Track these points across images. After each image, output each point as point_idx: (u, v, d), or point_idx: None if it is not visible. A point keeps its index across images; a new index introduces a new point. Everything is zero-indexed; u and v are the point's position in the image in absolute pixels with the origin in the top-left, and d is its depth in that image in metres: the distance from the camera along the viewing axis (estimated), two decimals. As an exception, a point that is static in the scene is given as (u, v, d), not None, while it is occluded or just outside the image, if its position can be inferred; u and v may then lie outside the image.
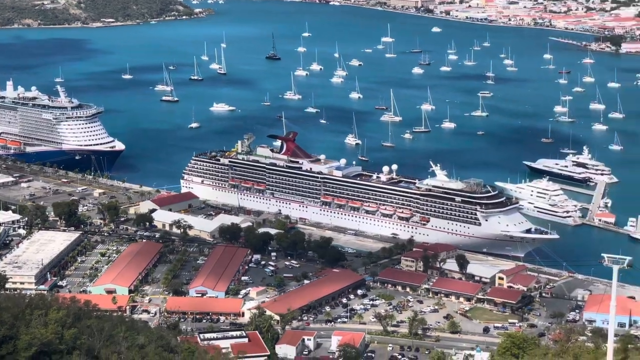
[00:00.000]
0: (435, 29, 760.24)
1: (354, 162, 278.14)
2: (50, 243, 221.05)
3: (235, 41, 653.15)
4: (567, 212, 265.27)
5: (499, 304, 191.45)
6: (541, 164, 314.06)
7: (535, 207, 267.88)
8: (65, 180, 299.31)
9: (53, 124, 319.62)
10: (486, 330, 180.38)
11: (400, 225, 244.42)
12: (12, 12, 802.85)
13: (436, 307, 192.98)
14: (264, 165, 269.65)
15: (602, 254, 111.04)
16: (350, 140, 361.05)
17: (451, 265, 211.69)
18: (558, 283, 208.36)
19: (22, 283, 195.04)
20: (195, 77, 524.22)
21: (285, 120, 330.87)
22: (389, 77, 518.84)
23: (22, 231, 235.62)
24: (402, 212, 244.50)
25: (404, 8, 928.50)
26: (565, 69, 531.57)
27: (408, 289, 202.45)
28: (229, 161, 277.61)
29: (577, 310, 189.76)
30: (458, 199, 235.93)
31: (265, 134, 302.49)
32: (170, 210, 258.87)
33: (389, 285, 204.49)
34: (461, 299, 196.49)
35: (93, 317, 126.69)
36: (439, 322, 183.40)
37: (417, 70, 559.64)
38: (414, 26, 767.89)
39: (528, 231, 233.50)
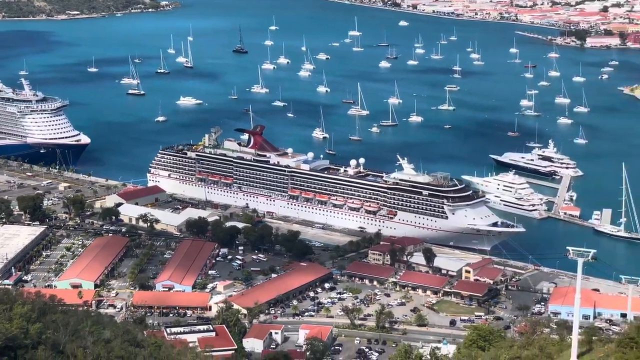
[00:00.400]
0: (403, 23, 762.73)
1: (321, 156, 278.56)
2: (15, 237, 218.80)
3: (202, 34, 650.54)
4: (533, 205, 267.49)
5: (466, 297, 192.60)
6: (507, 157, 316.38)
7: (501, 200, 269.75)
8: (30, 174, 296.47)
9: (17, 117, 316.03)
10: (453, 323, 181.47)
11: (368, 218, 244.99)
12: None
13: (403, 300, 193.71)
14: (231, 159, 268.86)
15: (567, 247, 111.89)
16: (318, 133, 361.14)
17: (418, 258, 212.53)
18: (524, 276, 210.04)
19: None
20: (162, 71, 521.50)
21: (253, 113, 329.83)
22: (356, 70, 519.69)
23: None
24: (370, 206, 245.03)
25: (371, 2, 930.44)
26: (531, 63, 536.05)
27: (375, 283, 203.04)
28: (196, 155, 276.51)
29: (542, 303, 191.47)
30: (425, 192, 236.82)
31: (232, 127, 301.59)
32: (136, 204, 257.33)
33: (357, 279, 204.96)
34: (428, 292, 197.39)
35: (58, 312, 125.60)
36: (406, 315, 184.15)
37: (384, 64, 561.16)
38: (381, 20, 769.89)
39: (494, 224, 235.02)
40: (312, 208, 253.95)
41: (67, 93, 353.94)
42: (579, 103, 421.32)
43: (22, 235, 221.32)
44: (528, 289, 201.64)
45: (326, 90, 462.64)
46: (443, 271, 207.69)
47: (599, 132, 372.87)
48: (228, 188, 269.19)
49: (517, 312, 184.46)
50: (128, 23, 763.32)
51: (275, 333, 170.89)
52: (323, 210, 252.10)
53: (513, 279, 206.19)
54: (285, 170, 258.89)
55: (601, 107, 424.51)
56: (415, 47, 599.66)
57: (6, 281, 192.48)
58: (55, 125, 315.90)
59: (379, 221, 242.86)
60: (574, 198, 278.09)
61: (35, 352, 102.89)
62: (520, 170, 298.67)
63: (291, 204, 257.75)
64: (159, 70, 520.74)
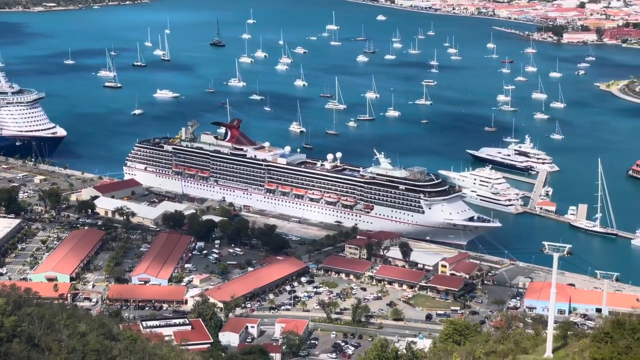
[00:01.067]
0: (380, 17, 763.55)
1: (298, 150, 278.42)
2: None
3: (179, 27, 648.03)
4: (509, 200, 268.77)
5: (442, 291, 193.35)
6: (484, 152, 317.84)
7: (477, 195, 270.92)
8: (6, 166, 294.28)
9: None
10: (429, 317, 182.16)
11: (344, 212, 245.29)
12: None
13: (379, 294, 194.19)
14: (208, 153, 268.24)
15: (543, 242, 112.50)
16: (295, 127, 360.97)
17: (395, 252, 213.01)
18: (500, 271, 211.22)
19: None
20: (139, 63, 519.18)
21: (230, 107, 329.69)
22: (333, 64, 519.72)
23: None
24: (346, 200, 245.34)
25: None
26: (508, 59, 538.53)
27: (352, 277, 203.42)
28: (173, 148, 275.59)
29: (518, 298, 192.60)
30: (402, 187, 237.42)
31: (209, 120, 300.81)
32: (112, 197, 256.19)
33: (333, 273, 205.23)
34: (404, 287, 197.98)
35: (33, 305, 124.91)
36: (382, 310, 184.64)
37: (361, 58, 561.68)
38: (359, 14, 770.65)
39: (471, 219, 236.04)
40: (289, 202, 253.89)
41: (43, 85, 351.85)
42: (555, 98, 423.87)
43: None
44: (504, 284, 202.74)
45: (303, 84, 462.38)
46: (419, 265, 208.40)
47: (575, 128, 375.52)
48: (205, 181, 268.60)
49: (493, 307, 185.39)
50: (105, 15, 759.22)
51: (252, 327, 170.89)
52: (300, 204, 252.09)
53: (489, 274, 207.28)
54: (262, 164, 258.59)
55: (577, 102, 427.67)
56: (392, 42, 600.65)
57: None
58: (31, 117, 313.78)
59: (356, 215, 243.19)
60: (550, 193, 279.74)
61: (10, 345, 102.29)
62: (497, 165, 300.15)
63: (268, 198, 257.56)
64: (135, 63, 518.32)
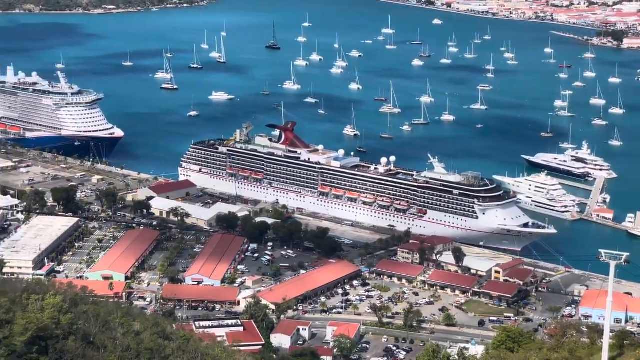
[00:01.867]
0: (436, 21, 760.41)
1: (352, 153, 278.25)
2: (49, 228, 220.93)
3: (235, 30, 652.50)
4: (565, 207, 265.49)
5: (495, 297, 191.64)
6: (540, 158, 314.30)
7: (533, 201, 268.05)
8: (64, 166, 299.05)
9: (53, 109, 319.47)
10: (481, 323, 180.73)
11: (398, 217, 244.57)
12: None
13: (432, 299, 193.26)
14: (262, 155, 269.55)
15: (600, 250, 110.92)
16: (349, 131, 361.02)
17: (447, 257, 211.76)
18: (555, 278, 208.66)
19: (19, 268, 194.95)
20: (195, 66, 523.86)
21: (284, 109, 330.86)
22: (388, 68, 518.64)
23: (20, 216, 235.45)
24: (400, 204, 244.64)
25: (405, 0, 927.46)
26: (566, 64, 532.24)
27: (404, 281, 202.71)
28: (227, 150, 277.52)
29: (573, 306, 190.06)
30: (456, 191, 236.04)
31: (263, 123, 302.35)
32: (167, 197, 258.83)
33: (385, 277, 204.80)
34: (457, 292, 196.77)
35: (89, 303, 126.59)
36: (434, 315, 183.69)
37: (417, 62, 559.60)
38: (415, 18, 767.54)
39: (525, 225, 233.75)
40: (342, 205, 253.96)
41: (102, 86, 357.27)
42: (614, 104, 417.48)
43: (55, 226, 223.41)
44: (559, 291, 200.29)
45: (358, 88, 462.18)
46: (472, 271, 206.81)
47: (634, 134, 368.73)
48: (258, 184, 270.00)
49: (547, 314, 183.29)
50: (163, 18, 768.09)
51: (303, 329, 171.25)
52: (353, 208, 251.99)
53: (543, 281, 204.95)
54: (315, 167, 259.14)
55: (637, 108, 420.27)
56: (448, 46, 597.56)
57: (39, 272, 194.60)
58: (90, 118, 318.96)
59: (409, 220, 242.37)
60: (608, 200, 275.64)
61: (66, 343, 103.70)
62: (553, 171, 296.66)
63: (321, 201, 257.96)
64: (192, 65, 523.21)
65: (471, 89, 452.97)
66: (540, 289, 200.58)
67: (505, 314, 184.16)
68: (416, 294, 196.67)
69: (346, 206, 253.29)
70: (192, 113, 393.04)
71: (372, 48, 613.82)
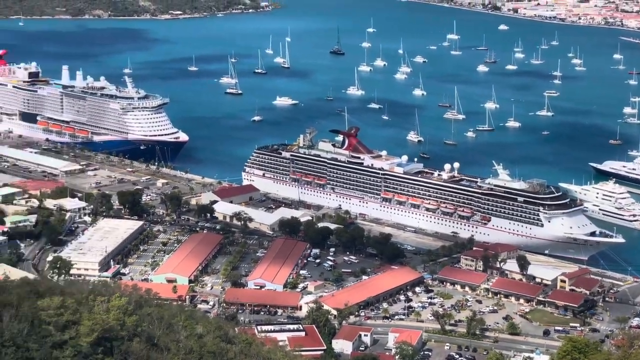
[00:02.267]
0: (502, 27, 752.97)
1: (415, 159, 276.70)
2: (114, 231, 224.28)
3: (300, 35, 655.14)
4: (634, 215, 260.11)
5: (561, 307, 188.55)
6: (608, 165, 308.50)
7: (600, 209, 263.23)
8: (130, 169, 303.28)
9: (120, 113, 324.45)
10: (546, 333, 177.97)
11: (461, 223, 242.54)
12: (84, 2, 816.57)
13: (495, 307, 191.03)
14: (325, 160, 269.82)
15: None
16: (412, 136, 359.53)
17: (512, 265, 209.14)
18: (622, 288, 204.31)
19: (86, 269, 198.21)
20: (259, 71, 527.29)
21: (347, 115, 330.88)
22: (453, 74, 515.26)
23: (87, 218, 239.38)
24: (463, 211, 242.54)
25: (470, 5, 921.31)
26: (636, 70, 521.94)
27: (467, 289, 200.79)
28: (291, 155, 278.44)
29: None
30: (520, 199, 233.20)
31: (327, 128, 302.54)
32: (231, 202, 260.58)
33: (448, 284, 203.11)
34: (521, 301, 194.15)
35: (154, 305, 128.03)
36: (497, 323, 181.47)
37: (482, 68, 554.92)
38: (481, 23, 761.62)
39: (592, 234, 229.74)
40: (405, 211, 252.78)
41: (168, 91, 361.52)
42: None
43: (121, 229, 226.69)
44: (627, 302, 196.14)
45: (422, 93, 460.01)
46: (537, 280, 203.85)
47: None
48: (321, 189, 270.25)
49: (615, 325, 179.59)
50: (228, 23, 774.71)
51: (365, 335, 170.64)
52: (416, 214, 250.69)
53: (611, 291, 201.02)
54: (378, 173, 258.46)
55: None
56: (514, 52, 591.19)
57: (105, 273, 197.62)
58: (156, 122, 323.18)
59: (472, 226, 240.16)
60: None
61: (130, 344, 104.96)
62: (621, 179, 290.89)
63: (384, 207, 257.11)
64: (256, 70, 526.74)
65: (537, 95, 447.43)
66: (607, 299, 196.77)
67: (571, 324, 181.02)
68: (479, 301, 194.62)
69: (409, 212, 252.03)
70: (256, 118, 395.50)
71: (436, 54, 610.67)
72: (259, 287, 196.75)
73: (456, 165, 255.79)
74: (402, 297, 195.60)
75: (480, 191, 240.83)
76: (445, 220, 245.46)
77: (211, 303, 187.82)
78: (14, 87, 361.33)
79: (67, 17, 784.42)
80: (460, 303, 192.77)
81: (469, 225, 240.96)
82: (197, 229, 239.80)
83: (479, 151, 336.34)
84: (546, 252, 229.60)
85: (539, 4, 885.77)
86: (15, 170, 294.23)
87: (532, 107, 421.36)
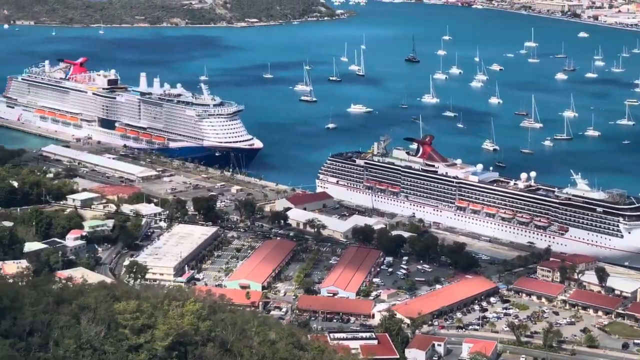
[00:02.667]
0: (582, 34, 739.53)
1: (490, 168, 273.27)
2: (189, 236, 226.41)
3: (375, 43, 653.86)
4: None
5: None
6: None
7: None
8: (205, 175, 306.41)
9: (195, 120, 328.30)
10: (625, 346, 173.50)
11: (537, 234, 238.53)
12: (162, 11, 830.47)
13: (573, 319, 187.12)
14: (399, 168, 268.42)
15: None
16: (488, 145, 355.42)
17: (590, 277, 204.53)
18: None
19: (161, 274, 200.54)
20: (334, 78, 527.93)
21: (422, 123, 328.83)
22: (530, 82, 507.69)
23: (163, 224, 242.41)
24: (540, 221, 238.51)
25: (549, 12, 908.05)
26: None
27: (543, 300, 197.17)
28: (365, 163, 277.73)
29: None
30: (599, 209, 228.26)
31: (401, 136, 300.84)
32: (304, 209, 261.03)
33: (524, 295, 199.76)
34: (599, 313, 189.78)
35: (227, 311, 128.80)
36: (575, 335, 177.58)
37: (560, 75, 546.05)
38: (559, 31, 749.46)
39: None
40: (480, 220, 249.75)
41: (243, 97, 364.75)
42: None
43: (195, 234, 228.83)
44: None
45: (498, 102, 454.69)
46: (616, 292, 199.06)
47: None
48: (395, 197, 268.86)
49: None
50: (304, 30, 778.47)
51: (438, 345, 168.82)
52: (491, 223, 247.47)
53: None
54: (453, 181, 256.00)
55: None
56: (594, 60, 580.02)
57: (179, 279, 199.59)
58: (231, 129, 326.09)
59: (549, 237, 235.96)
60: None
61: (204, 349, 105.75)
62: None
63: (458, 215, 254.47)
64: (331, 78, 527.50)
65: (618, 103, 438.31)
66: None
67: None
68: (556, 313, 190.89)
69: (484, 221, 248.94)
70: (330, 125, 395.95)
71: (513, 61, 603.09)
72: (331, 295, 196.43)
73: (533, 174, 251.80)
74: (476, 307, 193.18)
75: (557, 201, 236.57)
76: (521, 230, 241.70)
77: (284, 310, 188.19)
78: (93, 94, 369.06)
79: (145, 25, 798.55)
80: (537, 314, 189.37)
81: (545, 236, 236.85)
82: (271, 235, 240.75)
83: (557, 160, 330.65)
84: (626, 263, 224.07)
85: (619, 11, 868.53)
86: (93, 175, 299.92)
87: (612, 116, 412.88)
